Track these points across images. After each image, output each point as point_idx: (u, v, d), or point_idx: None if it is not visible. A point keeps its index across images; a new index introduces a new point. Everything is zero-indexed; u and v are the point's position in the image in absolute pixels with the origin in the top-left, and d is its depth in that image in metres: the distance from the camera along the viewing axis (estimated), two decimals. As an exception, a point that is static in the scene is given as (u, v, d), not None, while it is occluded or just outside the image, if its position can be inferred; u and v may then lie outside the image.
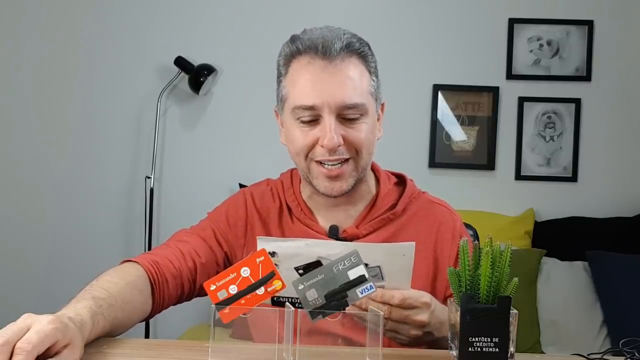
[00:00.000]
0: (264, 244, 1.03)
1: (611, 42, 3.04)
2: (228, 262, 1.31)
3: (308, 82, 1.22)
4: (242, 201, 1.35)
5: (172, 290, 1.22)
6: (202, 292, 1.26)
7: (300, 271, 1.04)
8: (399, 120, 2.91)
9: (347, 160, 1.23)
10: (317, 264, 1.03)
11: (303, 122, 1.23)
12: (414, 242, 1.06)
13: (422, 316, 1.06)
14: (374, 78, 1.27)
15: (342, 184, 1.24)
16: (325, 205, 1.31)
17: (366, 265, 1.03)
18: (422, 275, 1.26)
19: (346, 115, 1.22)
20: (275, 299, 1.08)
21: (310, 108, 1.21)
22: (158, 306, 1.21)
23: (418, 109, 3.06)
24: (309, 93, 1.21)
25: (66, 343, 0.86)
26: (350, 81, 1.22)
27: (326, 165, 1.23)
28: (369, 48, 1.28)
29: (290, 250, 1.04)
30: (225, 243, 1.31)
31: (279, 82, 1.29)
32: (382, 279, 1.04)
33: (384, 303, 1.03)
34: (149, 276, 1.18)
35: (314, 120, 1.22)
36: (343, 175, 1.23)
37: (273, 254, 1.04)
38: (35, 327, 0.82)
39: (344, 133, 1.21)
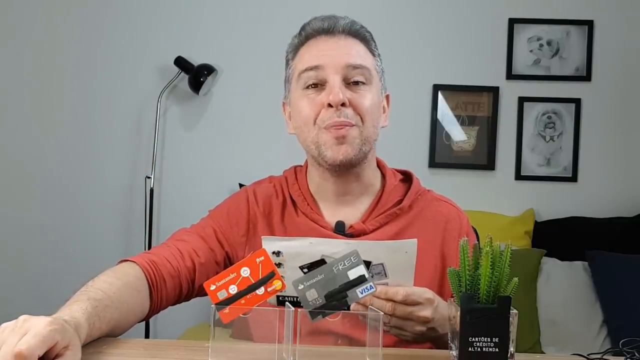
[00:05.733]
0: (269, 243, 1.05)
1: (611, 42, 3.04)
2: (229, 261, 1.30)
3: (313, 50, 1.27)
4: (244, 199, 1.34)
5: (170, 290, 1.21)
6: (201, 292, 1.26)
7: (305, 270, 1.05)
8: (399, 120, 2.89)
9: (352, 126, 1.24)
10: (321, 262, 1.04)
11: (309, 87, 1.26)
12: (416, 239, 1.07)
13: (425, 312, 1.07)
14: (378, 60, 1.32)
15: (347, 148, 1.23)
16: (333, 196, 1.31)
17: (370, 262, 1.04)
18: (429, 273, 1.26)
19: (351, 79, 1.25)
20: (280, 298, 1.08)
21: (316, 68, 1.24)
22: (156, 306, 1.20)
23: (418, 109, 3.07)
24: (314, 56, 1.26)
25: (66, 344, 0.85)
26: (355, 50, 1.27)
27: (333, 129, 1.24)
28: (372, 37, 1.32)
29: (294, 250, 1.05)
30: (226, 242, 1.30)
31: (287, 67, 1.33)
32: (386, 276, 1.05)
33: (388, 300, 1.04)
34: (146, 276, 1.17)
35: (320, 85, 1.25)
36: (348, 137, 1.23)
37: (278, 253, 1.05)
38: (33, 331, 0.82)
39: (349, 96, 1.24)
